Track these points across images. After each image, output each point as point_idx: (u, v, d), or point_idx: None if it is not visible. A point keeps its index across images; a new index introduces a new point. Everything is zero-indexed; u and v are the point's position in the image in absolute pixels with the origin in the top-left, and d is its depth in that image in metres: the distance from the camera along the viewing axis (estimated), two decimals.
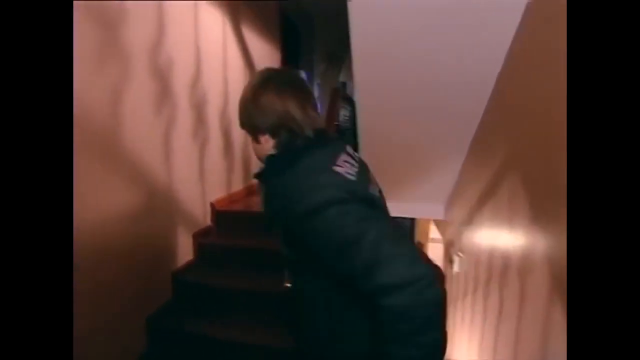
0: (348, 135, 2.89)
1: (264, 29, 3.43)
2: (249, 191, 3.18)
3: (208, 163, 2.44)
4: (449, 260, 3.57)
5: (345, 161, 0.98)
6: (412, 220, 6.03)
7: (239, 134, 2.99)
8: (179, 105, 2.07)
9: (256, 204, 2.96)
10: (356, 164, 1.04)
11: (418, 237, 5.82)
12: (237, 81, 2.88)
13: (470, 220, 2.81)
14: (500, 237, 2.10)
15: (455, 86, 2.37)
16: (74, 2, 1.30)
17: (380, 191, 1.27)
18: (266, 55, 3.49)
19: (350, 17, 2.01)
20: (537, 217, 1.63)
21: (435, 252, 5.29)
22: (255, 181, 3.48)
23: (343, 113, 4.05)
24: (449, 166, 3.21)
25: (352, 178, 0.94)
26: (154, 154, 1.89)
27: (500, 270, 2.06)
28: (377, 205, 1.06)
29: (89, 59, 1.44)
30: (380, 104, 2.57)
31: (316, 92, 6.72)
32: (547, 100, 1.54)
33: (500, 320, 2.03)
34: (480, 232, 2.56)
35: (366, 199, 0.96)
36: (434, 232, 5.17)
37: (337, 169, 0.92)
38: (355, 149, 3.18)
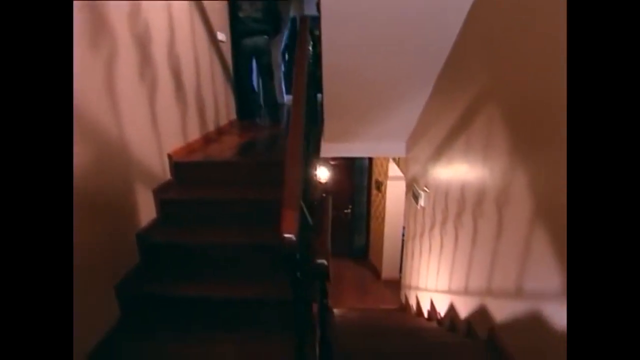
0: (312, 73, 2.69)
1: None
2: (206, 140, 2.93)
3: (160, 109, 2.14)
4: (412, 196, 3.65)
5: None
6: (370, 158, 6.09)
7: (190, 75, 2.66)
8: (120, 40, 1.72)
9: (216, 152, 2.74)
10: None
11: (376, 176, 5.92)
12: (182, 19, 2.49)
13: (438, 155, 2.83)
14: (475, 169, 2.11)
15: (421, 20, 2.25)
16: None
17: None
18: None
19: None
20: (517, 146, 1.62)
21: (394, 190, 5.43)
22: (212, 129, 3.23)
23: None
24: (411, 103, 3.17)
25: None
26: (95, 97, 1.59)
27: (474, 202, 2.11)
28: None
29: None
30: (345, 39, 2.40)
31: None
32: (531, 13, 1.46)
33: (475, 249, 2.11)
34: (450, 166, 2.58)
35: None
36: (392, 170, 5.26)
37: None
38: (319, 87, 3.03)
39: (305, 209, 1.22)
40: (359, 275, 6.15)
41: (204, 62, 2.96)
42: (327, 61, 2.62)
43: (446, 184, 2.69)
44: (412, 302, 3.81)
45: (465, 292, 2.27)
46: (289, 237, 0.97)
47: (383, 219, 5.74)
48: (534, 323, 1.47)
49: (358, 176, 6.37)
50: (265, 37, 3.82)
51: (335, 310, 3.91)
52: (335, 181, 6.40)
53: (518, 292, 1.61)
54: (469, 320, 2.19)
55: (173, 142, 2.35)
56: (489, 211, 1.90)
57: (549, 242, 1.34)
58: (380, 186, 5.78)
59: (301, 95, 1.38)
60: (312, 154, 2.18)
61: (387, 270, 5.77)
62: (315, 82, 2.96)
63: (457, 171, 2.45)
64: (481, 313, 2.01)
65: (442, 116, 2.68)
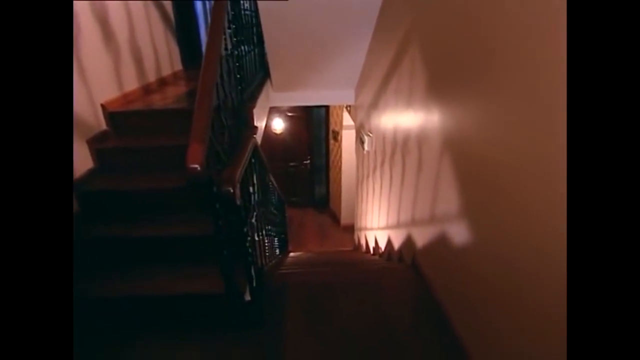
0: (250, 22, 2.64)
1: None
2: (146, 90, 2.87)
3: (86, 58, 2.07)
4: (360, 142, 3.78)
5: None
6: (326, 108, 6.13)
7: (120, 23, 2.55)
8: None
9: (157, 101, 2.71)
10: None
11: (333, 126, 6.00)
12: None
13: (377, 99, 2.93)
14: (403, 110, 2.23)
15: None
16: None
17: None
18: None
19: None
20: (432, 84, 1.73)
21: (349, 139, 5.55)
22: (152, 79, 3.15)
23: None
24: (355, 49, 3.18)
25: None
26: None
27: (402, 141, 2.25)
28: None
29: None
30: None
31: None
32: None
33: (403, 184, 2.28)
34: (386, 109, 2.69)
35: None
36: (347, 120, 5.35)
37: None
38: (260, 36, 2.99)
39: (217, 146, 1.30)
40: (320, 222, 6.42)
41: (136, 8, 2.83)
42: (263, 5, 2.58)
43: (384, 127, 2.82)
44: (363, 242, 4.08)
45: (398, 225, 2.48)
46: (193, 167, 1.06)
47: (340, 168, 5.91)
48: (440, 243, 1.67)
49: (316, 127, 6.42)
50: None
51: (292, 254, 4.15)
52: (293, 133, 6.44)
53: (432, 219, 1.80)
54: (400, 249, 2.41)
55: (106, 92, 2.31)
56: (413, 148, 2.05)
57: (453, 170, 1.50)
58: (336, 136, 5.89)
59: (217, 36, 1.41)
60: (246, 100, 2.22)
61: (346, 216, 6.04)
62: (255, 29, 2.92)
63: (391, 113, 2.57)
64: (408, 242, 2.23)
65: (380, 61, 2.75)
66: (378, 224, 3.19)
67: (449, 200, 1.53)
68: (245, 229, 1.37)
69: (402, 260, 2.35)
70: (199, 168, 1.06)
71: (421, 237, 1.99)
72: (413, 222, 2.13)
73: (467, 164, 1.36)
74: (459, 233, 1.46)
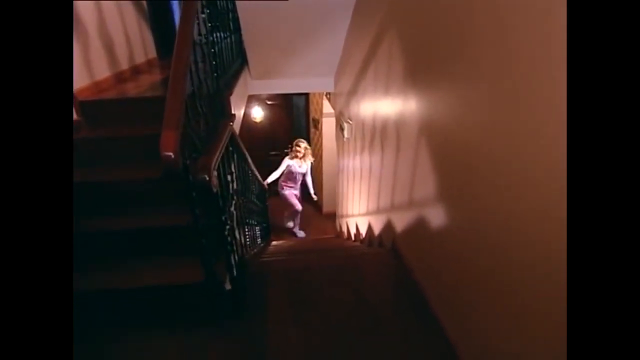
0: (226, 7, 2.58)
1: None
2: (119, 79, 2.78)
3: None
4: (340, 129, 3.78)
5: None
6: (306, 96, 6.09)
7: (87, 10, 2.44)
8: None
9: (131, 90, 2.64)
10: None
11: (313, 114, 5.97)
12: None
13: (356, 86, 2.92)
14: (381, 96, 2.24)
15: None
16: None
17: None
18: None
19: None
20: (409, 70, 1.74)
21: (330, 127, 5.54)
22: (125, 67, 3.05)
23: None
24: (333, 35, 3.15)
25: None
26: None
27: (381, 127, 2.26)
28: None
29: None
30: None
31: None
32: None
33: (382, 170, 2.31)
34: (364, 96, 2.70)
35: None
36: (327, 107, 5.32)
37: None
38: (237, 22, 2.92)
39: (193, 134, 1.28)
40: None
41: None
42: None
43: (363, 114, 2.82)
44: (344, 229, 4.11)
45: (378, 211, 2.51)
46: (167, 155, 1.04)
47: (321, 156, 5.90)
48: (420, 226, 1.70)
49: (296, 115, 6.38)
50: None
51: (275, 242, 4.15)
52: (274, 121, 6.39)
53: (410, 204, 1.83)
54: (381, 234, 2.45)
55: (76, 80, 2.23)
56: (391, 134, 2.06)
57: (431, 154, 1.52)
58: (317, 124, 5.86)
59: (189, 21, 1.37)
60: (223, 87, 2.18)
61: (327, 204, 6.06)
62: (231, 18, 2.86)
63: (370, 100, 2.58)
64: (388, 227, 2.26)
65: (359, 47, 2.74)
66: (359, 211, 3.22)
67: (428, 184, 1.56)
68: (223, 218, 1.36)
69: (382, 245, 2.39)
70: (172, 156, 1.04)
71: (400, 222, 2.03)
72: (392, 207, 2.16)
73: (445, 148, 1.38)
74: (437, 217, 1.49)
